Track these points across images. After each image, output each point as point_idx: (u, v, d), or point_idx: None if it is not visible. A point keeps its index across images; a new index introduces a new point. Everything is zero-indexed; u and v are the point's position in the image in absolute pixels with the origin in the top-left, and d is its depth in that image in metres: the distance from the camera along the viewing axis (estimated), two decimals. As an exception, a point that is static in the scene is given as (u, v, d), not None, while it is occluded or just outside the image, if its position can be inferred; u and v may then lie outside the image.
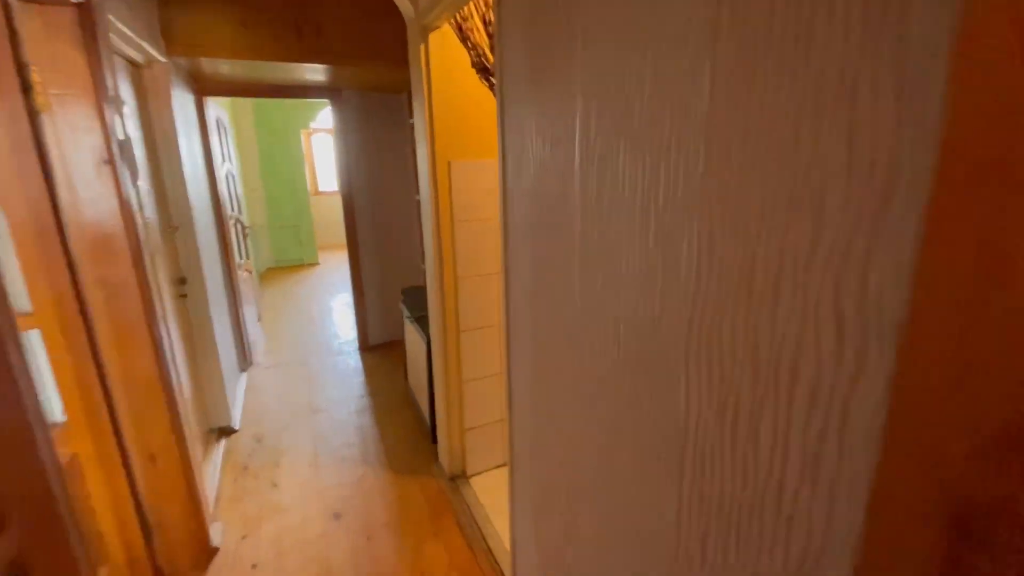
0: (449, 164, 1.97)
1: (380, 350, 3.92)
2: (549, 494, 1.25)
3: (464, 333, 2.16)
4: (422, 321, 2.54)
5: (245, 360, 3.56)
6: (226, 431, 2.76)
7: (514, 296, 1.31)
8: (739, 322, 0.58)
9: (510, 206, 1.25)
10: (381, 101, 3.65)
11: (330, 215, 7.89)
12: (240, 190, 4.74)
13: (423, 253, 3.75)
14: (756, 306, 0.56)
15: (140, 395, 1.64)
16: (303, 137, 7.01)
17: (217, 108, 3.58)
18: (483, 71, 1.55)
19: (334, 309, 5.04)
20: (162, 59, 2.33)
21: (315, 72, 3.07)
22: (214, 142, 3.33)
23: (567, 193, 0.96)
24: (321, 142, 7.96)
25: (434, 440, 2.52)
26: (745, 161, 0.55)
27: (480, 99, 1.97)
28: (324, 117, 7.02)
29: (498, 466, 2.42)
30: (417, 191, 3.61)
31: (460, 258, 2.07)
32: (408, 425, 2.80)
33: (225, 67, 2.84)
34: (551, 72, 0.96)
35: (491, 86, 1.56)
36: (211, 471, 2.35)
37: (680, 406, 0.71)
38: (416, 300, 2.83)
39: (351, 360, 3.74)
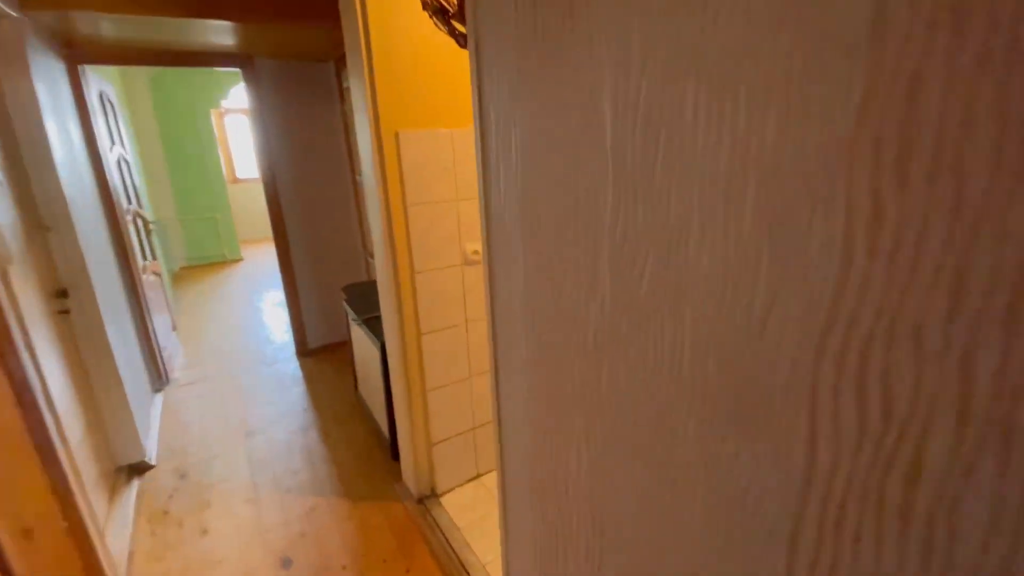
0: (397, 135, 1.64)
1: (321, 354, 3.51)
2: (562, 536, 1.00)
3: (426, 336, 1.86)
4: (373, 324, 2.20)
5: (159, 378, 3.05)
6: (139, 468, 2.31)
7: (501, 295, 1.03)
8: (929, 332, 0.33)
9: (493, 185, 0.96)
10: (304, 72, 3.18)
11: (252, 205, 7.17)
12: (139, 180, 4.09)
13: (367, 244, 3.38)
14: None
15: (0, 456, 1.22)
16: (213, 117, 6.25)
17: (100, 81, 2.98)
18: (439, 13, 1.24)
19: (264, 310, 4.52)
20: (14, 13, 1.81)
21: (221, 34, 2.58)
22: (98, 122, 2.76)
23: (589, 163, 0.69)
24: (236, 123, 7.18)
25: (395, 457, 2.22)
26: None
27: (433, 52, 1.64)
28: (239, 95, 6.28)
29: (472, 479, 2.15)
30: (357, 171, 3.22)
31: (417, 249, 1.76)
32: (362, 441, 2.47)
33: (106, 26, 2.31)
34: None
35: (452, 32, 1.26)
36: (120, 524, 1.92)
37: (798, 461, 0.47)
38: (363, 299, 2.48)
39: (288, 368, 3.31)
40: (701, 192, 0.52)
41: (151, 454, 2.38)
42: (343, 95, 3.16)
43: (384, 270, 1.81)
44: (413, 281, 1.79)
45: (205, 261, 6.33)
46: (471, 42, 0.93)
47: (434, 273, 1.82)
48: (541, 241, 0.84)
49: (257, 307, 4.60)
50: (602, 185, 0.69)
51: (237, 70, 3.10)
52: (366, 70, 1.57)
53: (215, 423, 2.67)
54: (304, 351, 3.51)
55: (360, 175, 1.91)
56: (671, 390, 0.61)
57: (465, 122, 1.78)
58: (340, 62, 3.05)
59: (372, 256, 1.99)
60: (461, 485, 2.12)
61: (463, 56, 1.72)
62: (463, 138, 1.76)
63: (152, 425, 2.62)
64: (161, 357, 3.07)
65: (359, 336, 2.38)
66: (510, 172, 0.90)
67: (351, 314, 2.39)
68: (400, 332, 1.83)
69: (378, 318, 2.22)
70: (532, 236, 0.86)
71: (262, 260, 6.32)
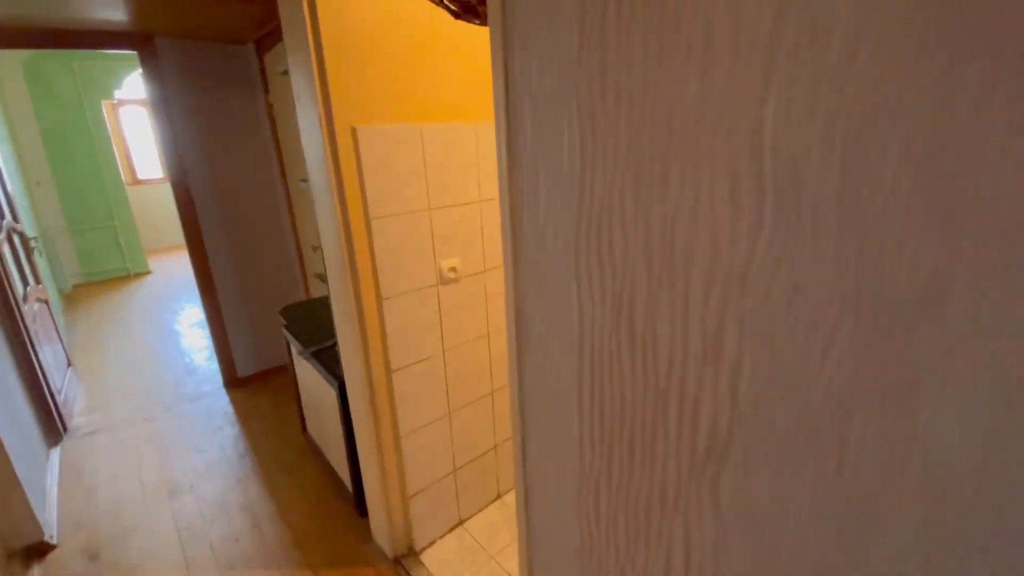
0: (354, 132, 1.31)
1: (255, 384, 3.06)
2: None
3: (398, 373, 1.55)
4: (325, 357, 1.85)
5: (55, 429, 2.50)
6: (38, 550, 1.83)
7: (536, 353, 0.77)
8: None
9: (528, 197, 0.70)
10: (217, 55, 2.71)
11: (158, 209, 6.36)
12: (15, 187, 3.40)
13: (303, 257, 2.93)
14: None
15: None
16: (106, 110, 5.42)
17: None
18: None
19: (181, 333, 3.94)
20: None
21: (109, 7, 2.10)
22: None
23: (722, 186, 0.45)
24: (135, 116, 6.31)
25: (363, 513, 1.89)
26: None
27: (404, 27, 1.33)
28: (136, 84, 5.47)
29: (454, 526, 1.87)
30: (291, 174, 2.77)
31: (383, 270, 1.44)
32: (318, 491, 2.11)
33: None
34: None
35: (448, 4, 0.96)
36: (2, 644, 1.47)
37: None
38: (307, 323, 2.11)
39: (216, 404, 2.85)
40: None
41: (51, 530, 1.90)
42: (267, 83, 2.72)
43: (342, 298, 1.48)
44: (380, 309, 1.47)
45: (104, 277, 5.51)
46: (495, 8, 0.66)
47: (404, 298, 1.51)
48: (622, 283, 0.58)
49: (172, 329, 4.01)
50: (748, 225, 0.45)
51: (132, 52, 2.58)
52: (312, 48, 1.23)
53: (129, 482, 2.20)
54: (234, 381, 3.04)
55: (304, 180, 1.56)
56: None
57: (440, 115, 1.48)
58: (263, 44, 2.62)
59: (324, 280, 1.65)
60: (442, 536, 1.84)
61: (447, 33, 1.42)
62: (436, 136, 1.46)
63: (49, 492, 2.11)
64: (55, 402, 2.52)
65: (307, 371, 2.01)
66: (559, 181, 0.63)
67: (295, 344, 2.02)
68: (365, 371, 1.51)
69: (330, 349, 1.88)
70: (601, 273, 0.61)
71: (175, 271, 5.60)
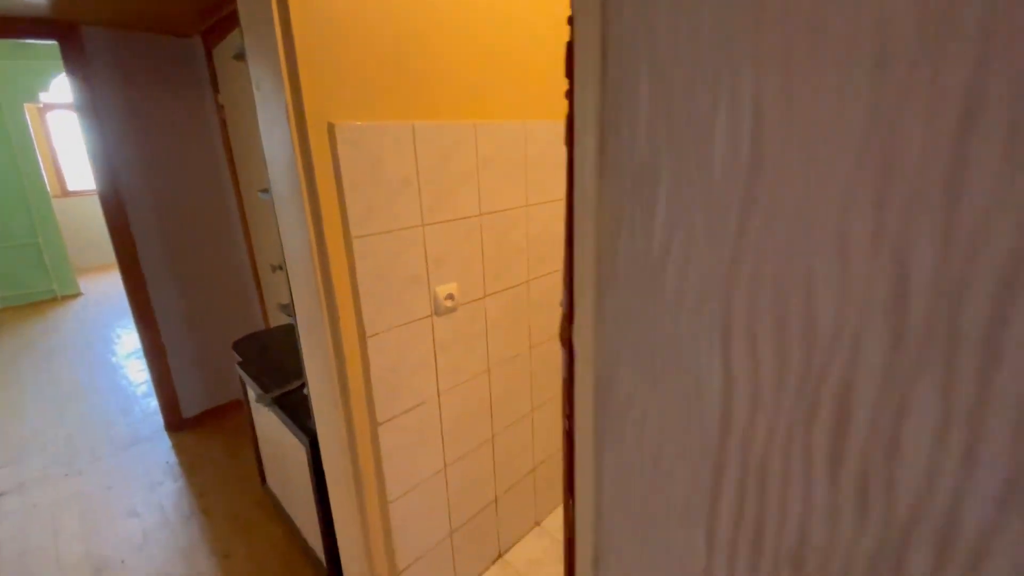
0: (332, 129, 1.04)
1: (203, 424, 2.67)
2: None
3: (385, 426, 1.26)
4: (291, 403, 1.54)
5: (-57, 494, 2.05)
6: None
7: (631, 415, 0.52)
8: None
9: (629, 214, 0.45)
10: (157, 49, 2.35)
11: (92, 224, 5.75)
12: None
13: (260, 281, 2.55)
14: None
15: None
16: (28, 114, 4.84)
17: None
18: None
19: (117, 365, 3.47)
20: None
21: (14, -18, 1.74)
22: None
23: None
24: (63, 121, 5.72)
25: (338, 589, 1.57)
26: None
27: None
28: (63, 86, 4.93)
29: (448, 601, 1.58)
30: (244, 185, 2.40)
31: (367, 301, 1.16)
32: (280, 560, 1.77)
33: None
34: None
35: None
36: None
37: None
38: (267, 361, 1.78)
39: (156, 452, 2.44)
40: None
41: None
42: (216, 81, 2.38)
43: (315, 337, 1.19)
44: (364, 350, 1.19)
45: (26, 300, 4.90)
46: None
47: (394, 333, 1.23)
48: (828, 362, 0.34)
49: (105, 361, 3.52)
50: None
51: (53, 43, 2.20)
52: (277, 20, 0.96)
53: (42, 560, 1.79)
54: (178, 422, 2.64)
55: (264, 191, 1.28)
56: None
57: (437, 111, 1.22)
58: (211, 35, 2.29)
59: (289, 313, 1.35)
60: (436, 612, 1.54)
61: (452, 8, 1.16)
62: (432, 136, 1.20)
63: (-74, 581, 1.69)
64: (-55, 461, 2.07)
65: (267, 419, 1.68)
66: (700, 193, 0.39)
67: (252, 389, 1.68)
68: (344, 427, 1.22)
69: (297, 391, 1.57)
70: (782, 342, 0.37)
71: (111, 293, 5.04)
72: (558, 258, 1.66)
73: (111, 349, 3.71)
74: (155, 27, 2.30)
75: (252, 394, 1.71)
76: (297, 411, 1.49)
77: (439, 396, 1.39)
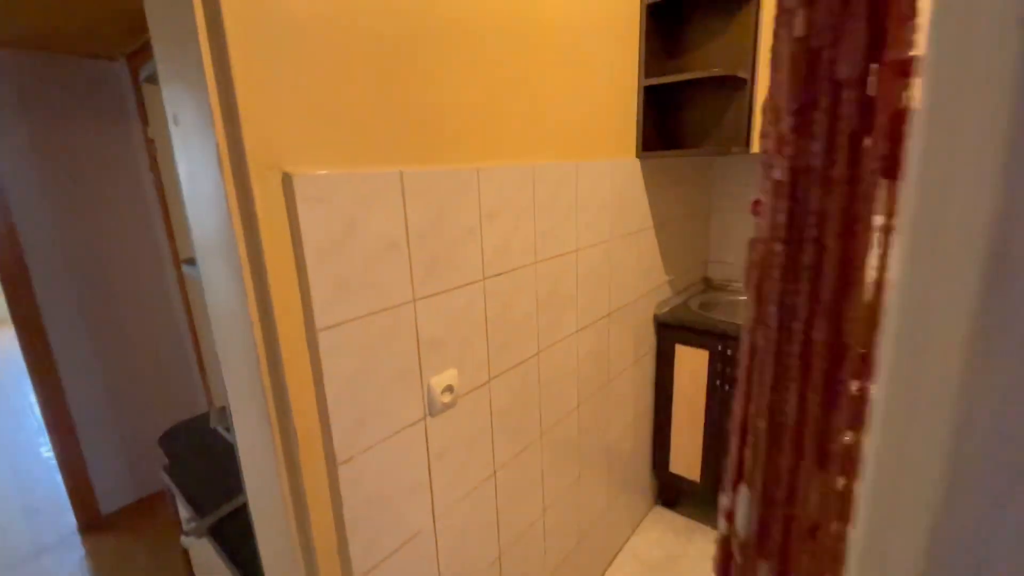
0: (289, 180, 0.72)
1: (126, 522, 2.19)
2: None
3: (366, 583, 0.91)
4: (227, 538, 1.15)
5: None
6: None
7: None
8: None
9: None
10: (74, 74, 1.97)
11: None
12: None
13: (201, 357, 2.10)
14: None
15: None
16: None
17: None
18: None
19: (16, 445, 2.91)
20: None
21: None
22: None
23: None
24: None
25: None
26: None
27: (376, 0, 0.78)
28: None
29: None
30: (182, 246, 1.99)
31: (340, 413, 0.83)
32: None
33: None
34: None
35: None
36: None
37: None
38: (203, 467, 1.39)
39: (62, 564, 1.95)
40: None
41: None
42: (144, 112, 2.01)
43: (262, 470, 0.83)
44: (334, 483, 0.84)
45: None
46: None
47: (375, 453, 0.89)
48: None
49: (5, 437, 2.95)
50: None
51: (-71, 64, 1.79)
52: (202, 22, 0.64)
53: None
54: (93, 521, 2.15)
55: (188, 262, 0.93)
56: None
57: (433, 155, 0.92)
58: (138, 60, 1.93)
59: (226, 427, 0.99)
60: None
61: (453, 18, 0.88)
62: (426, 186, 0.90)
63: None
64: None
65: (206, 557, 1.28)
66: None
67: (184, 513, 1.28)
68: (309, 590, 0.86)
69: (241, 511, 1.19)
70: None
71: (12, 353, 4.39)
72: (571, 320, 1.36)
73: (12, 425, 3.14)
74: (69, 47, 1.92)
75: (185, 526, 1.31)
76: (241, 548, 1.11)
77: (435, 522, 1.04)
